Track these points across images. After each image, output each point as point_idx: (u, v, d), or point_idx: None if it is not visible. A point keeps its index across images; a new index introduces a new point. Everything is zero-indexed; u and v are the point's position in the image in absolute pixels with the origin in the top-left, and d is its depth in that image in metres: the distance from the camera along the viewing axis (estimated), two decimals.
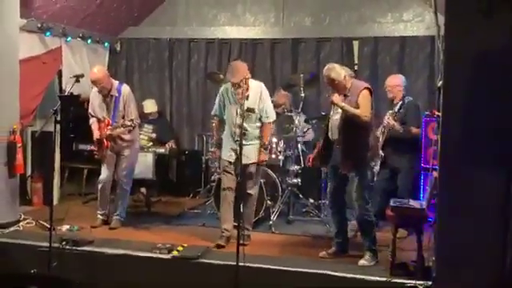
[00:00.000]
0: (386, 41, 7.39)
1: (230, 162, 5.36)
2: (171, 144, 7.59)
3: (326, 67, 5.00)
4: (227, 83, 5.45)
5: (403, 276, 4.47)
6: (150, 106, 7.64)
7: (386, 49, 7.38)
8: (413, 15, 7.39)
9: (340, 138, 4.90)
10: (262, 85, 5.43)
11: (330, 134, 5.03)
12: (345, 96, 4.90)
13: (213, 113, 5.66)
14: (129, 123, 5.76)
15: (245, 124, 5.15)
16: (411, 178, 6.07)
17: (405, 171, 5.92)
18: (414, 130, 5.91)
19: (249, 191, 5.37)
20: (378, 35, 7.42)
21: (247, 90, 5.19)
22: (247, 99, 5.18)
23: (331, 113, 5.06)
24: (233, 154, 5.30)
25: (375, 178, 5.12)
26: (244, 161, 5.05)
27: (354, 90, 4.89)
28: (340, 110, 4.86)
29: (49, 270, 4.66)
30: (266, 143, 5.47)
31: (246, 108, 5.06)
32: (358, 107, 4.81)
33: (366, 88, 4.89)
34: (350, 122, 4.81)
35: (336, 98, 4.87)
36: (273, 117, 5.48)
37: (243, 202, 4.94)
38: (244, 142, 5.14)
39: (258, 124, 5.39)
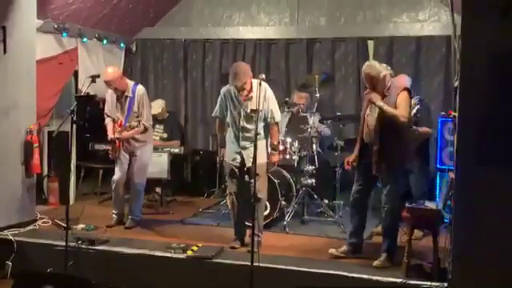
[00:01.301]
0: (401, 40, 7.34)
1: (235, 166, 5.26)
2: (177, 143, 7.53)
3: (365, 64, 4.90)
4: (229, 84, 5.32)
5: (419, 277, 4.45)
6: (155, 107, 7.41)
7: (402, 49, 7.33)
8: (428, 15, 7.33)
9: (375, 139, 4.77)
10: (266, 84, 5.18)
11: (364, 136, 4.92)
12: (383, 96, 4.79)
13: (214, 114, 5.49)
14: (135, 124, 5.77)
15: (249, 125, 5.12)
16: (424, 179, 6.01)
17: (417, 172, 5.85)
18: (422, 129, 5.81)
19: (258, 195, 5.11)
20: (393, 35, 7.37)
21: (250, 90, 5.10)
22: (250, 100, 5.10)
23: (367, 113, 4.91)
24: (237, 157, 5.23)
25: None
26: (251, 163, 4.96)
27: (393, 90, 4.78)
28: (376, 111, 4.75)
29: (65, 269, 4.71)
30: (276, 143, 5.34)
31: (249, 110, 5.03)
32: (395, 108, 4.69)
33: (405, 89, 4.78)
34: (386, 123, 4.69)
35: (374, 96, 4.76)
36: (278, 117, 5.31)
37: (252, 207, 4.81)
38: (248, 144, 5.13)
39: (262, 124, 5.19)
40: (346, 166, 5.16)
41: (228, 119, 5.31)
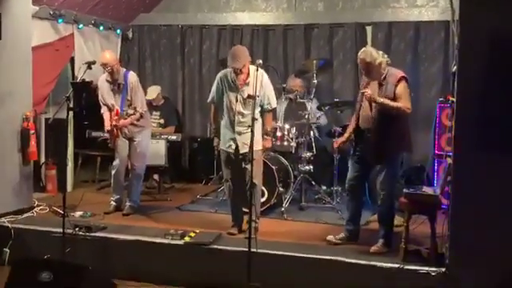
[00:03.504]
0: (400, 26, 7.29)
1: (230, 152, 5.23)
2: (171, 129, 7.52)
3: (361, 50, 4.82)
4: (225, 69, 5.30)
5: (416, 263, 4.45)
6: (150, 93, 7.40)
7: (400, 34, 7.29)
8: (427, 0, 7.28)
9: (373, 127, 4.73)
10: (262, 71, 5.15)
11: (360, 122, 4.89)
12: (379, 84, 4.73)
13: (209, 100, 5.42)
14: (131, 111, 5.78)
15: (244, 111, 5.09)
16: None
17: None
18: None
19: (253, 180, 5.05)
20: (391, 20, 7.32)
21: (248, 76, 5.05)
22: (247, 85, 5.06)
23: (362, 100, 4.84)
24: (232, 143, 5.20)
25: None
26: (245, 149, 5.00)
27: (390, 78, 4.70)
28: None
29: (62, 256, 4.71)
30: (269, 130, 5.35)
31: (246, 95, 4.98)
32: (394, 97, 4.63)
33: (403, 77, 4.70)
34: (385, 113, 4.65)
35: (371, 93, 4.66)
36: (274, 103, 5.30)
37: (248, 193, 4.85)
38: (243, 130, 5.10)
39: (258, 110, 5.13)
40: (334, 145, 5.26)
41: (224, 104, 5.26)
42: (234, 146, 5.21)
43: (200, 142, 7.97)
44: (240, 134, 5.17)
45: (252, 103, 4.80)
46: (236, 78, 5.12)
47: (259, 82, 4.96)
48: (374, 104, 4.72)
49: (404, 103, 4.63)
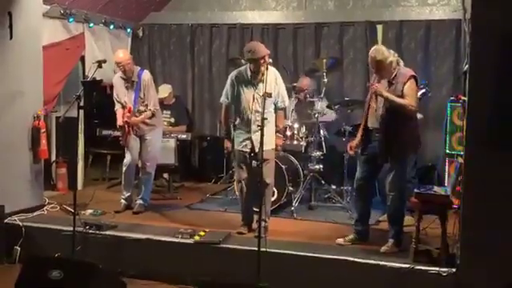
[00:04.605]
0: (410, 25, 7.25)
1: (246, 152, 5.20)
2: (182, 128, 7.53)
3: (372, 48, 4.81)
4: (239, 68, 5.29)
5: (426, 263, 4.43)
6: (162, 92, 7.40)
7: (411, 33, 7.25)
8: None
9: (382, 127, 4.71)
10: (274, 69, 5.20)
11: (369, 122, 4.87)
12: (389, 83, 4.72)
13: (222, 99, 5.33)
14: (143, 108, 5.80)
15: (261, 109, 5.07)
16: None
17: None
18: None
19: (266, 180, 5.15)
20: (402, 19, 7.28)
21: (267, 68, 4.93)
22: (262, 82, 4.93)
23: (371, 100, 4.83)
24: (248, 143, 5.17)
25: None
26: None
27: (400, 77, 4.69)
28: (382, 99, 4.68)
29: (72, 254, 4.72)
30: (281, 127, 5.37)
31: (262, 92, 4.88)
32: (402, 96, 4.62)
33: (412, 76, 4.69)
34: (393, 112, 4.63)
35: (379, 87, 4.68)
36: (287, 102, 5.34)
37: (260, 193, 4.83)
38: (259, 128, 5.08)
39: (272, 108, 5.16)
40: (350, 152, 5.14)
41: (240, 103, 5.19)
42: (249, 146, 5.16)
43: (209, 141, 7.97)
44: (256, 132, 5.13)
45: (264, 102, 4.73)
46: (253, 74, 5.08)
47: (273, 79, 4.99)
48: (380, 100, 4.69)
49: (409, 101, 4.61)
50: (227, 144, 5.41)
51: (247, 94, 5.15)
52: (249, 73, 5.14)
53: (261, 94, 4.99)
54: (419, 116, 5.77)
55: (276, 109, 5.24)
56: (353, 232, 5.04)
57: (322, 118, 6.56)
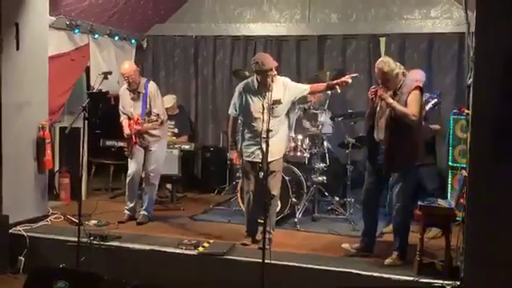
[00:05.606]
0: (413, 37, 7.30)
1: (253, 163, 5.20)
2: (185, 138, 7.56)
3: (379, 60, 4.85)
4: (246, 80, 5.31)
5: (431, 276, 4.43)
6: (167, 101, 7.34)
7: (414, 46, 7.30)
8: (441, 12, 7.28)
9: (386, 137, 4.73)
10: (284, 77, 5.25)
11: (375, 133, 4.88)
12: (394, 94, 4.74)
13: (230, 111, 5.33)
14: (154, 118, 5.83)
15: (271, 118, 5.06)
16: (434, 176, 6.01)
17: (428, 169, 5.81)
18: (433, 126, 5.83)
19: (272, 192, 5.16)
20: (405, 32, 7.34)
21: (273, 81, 4.95)
22: (271, 91, 4.87)
23: (377, 112, 4.85)
24: (258, 153, 5.11)
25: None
26: (271, 157, 4.93)
27: (405, 88, 4.72)
28: (387, 110, 4.70)
29: (77, 265, 4.73)
30: (322, 88, 5.40)
31: (272, 101, 4.84)
32: (405, 106, 4.65)
33: (417, 87, 4.72)
34: (397, 122, 4.65)
35: (383, 91, 4.72)
36: (306, 86, 5.30)
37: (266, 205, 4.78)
38: (270, 137, 5.06)
39: (278, 119, 5.11)
40: (371, 95, 4.93)
41: (249, 114, 5.16)
42: (260, 156, 5.07)
43: (212, 152, 7.99)
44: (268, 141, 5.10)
45: (277, 109, 4.74)
46: (261, 84, 5.07)
47: (281, 85, 5.02)
48: (384, 110, 4.71)
49: (411, 110, 4.63)
50: (233, 155, 5.41)
51: (256, 103, 5.13)
52: (256, 84, 5.16)
53: (270, 103, 4.88)
54: (436, 127, 5.84)
55: (285, 117, 5.23)
56: (360, 242, 5.04)
57: (324, 133, 6.59)
